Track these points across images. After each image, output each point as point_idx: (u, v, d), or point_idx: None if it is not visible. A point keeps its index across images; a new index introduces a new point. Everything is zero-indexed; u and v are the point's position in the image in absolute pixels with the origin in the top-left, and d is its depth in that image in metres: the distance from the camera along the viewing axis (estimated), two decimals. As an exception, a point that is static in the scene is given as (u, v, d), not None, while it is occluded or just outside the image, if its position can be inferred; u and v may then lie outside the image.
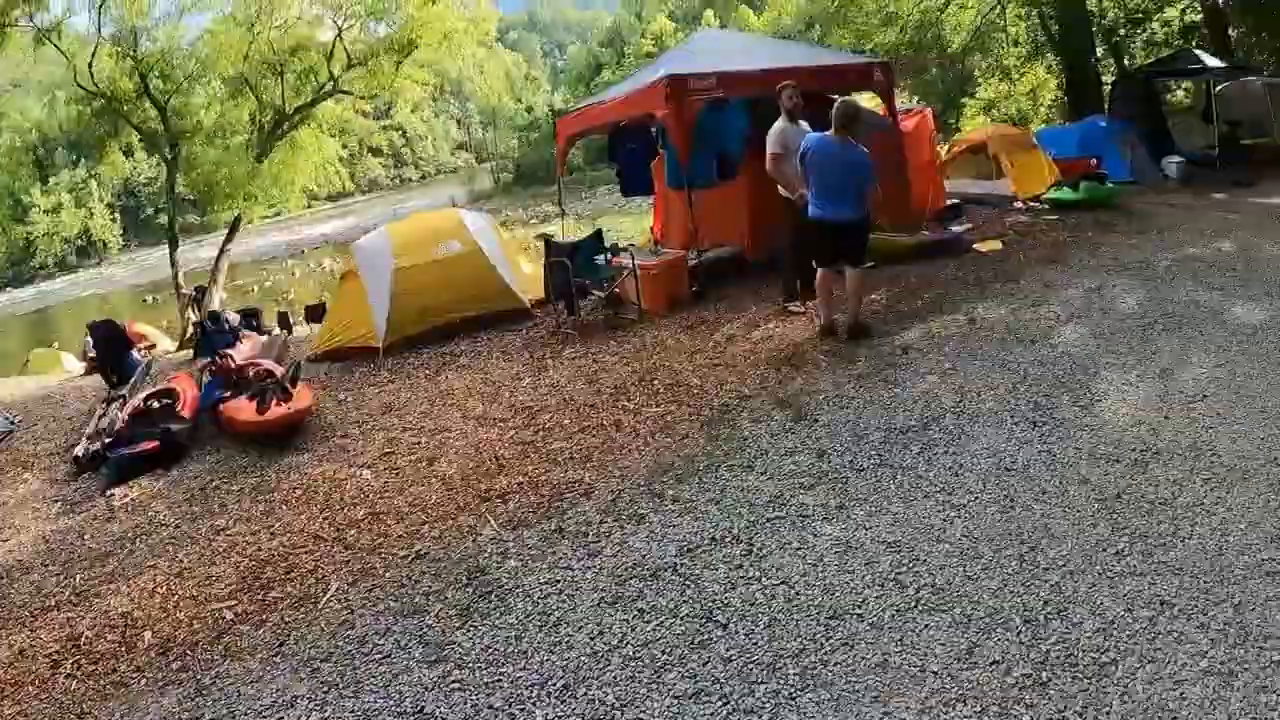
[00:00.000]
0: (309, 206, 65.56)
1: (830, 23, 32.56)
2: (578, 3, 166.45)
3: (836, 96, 12.62)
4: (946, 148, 17.87)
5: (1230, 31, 30.50)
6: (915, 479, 5.38)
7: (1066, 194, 13.22)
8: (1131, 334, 7.38)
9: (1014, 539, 4.60)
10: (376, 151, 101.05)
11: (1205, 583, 4.05)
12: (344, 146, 72.79)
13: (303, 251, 50.64)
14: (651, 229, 14.66)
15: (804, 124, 8.74)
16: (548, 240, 11.01)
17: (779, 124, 8.87)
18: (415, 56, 27.29)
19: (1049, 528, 4.65)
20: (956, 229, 11.65)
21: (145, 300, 40.35)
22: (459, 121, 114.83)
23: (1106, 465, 5.22)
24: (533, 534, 5.08)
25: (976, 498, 5.07)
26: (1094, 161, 15.02)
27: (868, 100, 13.24)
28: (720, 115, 10.91)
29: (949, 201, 13.39)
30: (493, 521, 5.30)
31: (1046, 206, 13.41)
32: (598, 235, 11.00)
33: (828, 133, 7.80)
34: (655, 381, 7.42)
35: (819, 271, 8.14)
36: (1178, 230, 11.31)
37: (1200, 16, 28.77)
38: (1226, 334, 7.17)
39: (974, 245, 11.25)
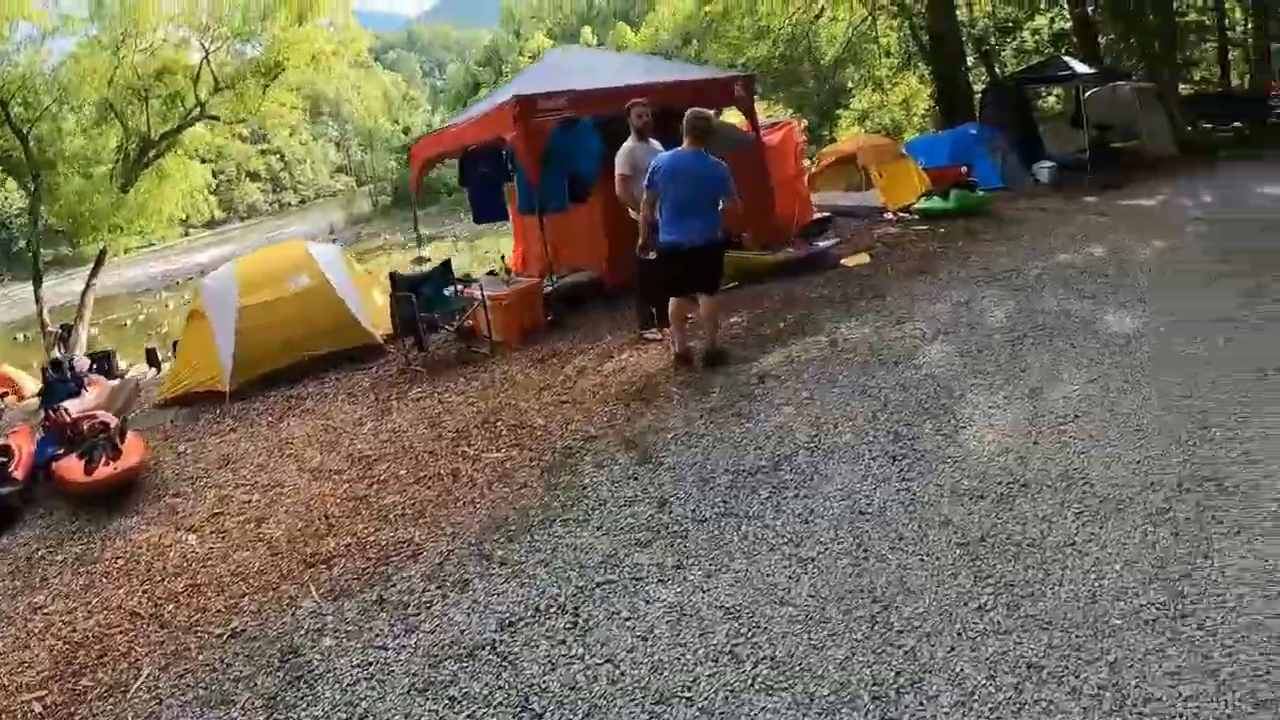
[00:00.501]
0: (186, 234, 63.33)
1: (705, 38, 32.71)
2: (458, 21, 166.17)
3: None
4: (816, 159, 17.73)
5: (1100, 38, 31.58)
6: (761, 529, 4.88)
7: (936, 203, 13.11)
8: (1000, 350, 7.07)
9: (866, 597, 4.10)
10: (255, 176, 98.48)
11: (1077, 638, 3.61)
12: (220, 172, 70.70)
13: (178, 282, 48.40)
14: (506, 257, 14.07)
15: (654, 143, 8.39)
16: (392, 274, 10.44)
17: (628, 144, 8.54)
18: (284, 79, 26.99)
19: (905, 581, 4.17)
20: (823, 244, 11.37)
21: (16, 338, 37.83)
22: (338, 144, 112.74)
23: (970, 503, 4.79)
24: (353, 605, 4.67)
25: (827, 549, 4.57)
26: (965, 169, 15.02)
27: (731, 116, 12.96)
28: (572, 136, 10.49)
29: (816, 215, 13.12)
30: (314, 591, 4.90)
31: (917, 217, 13.26)
32: (446, 266, 10.50)
33: (680, 148, 7.37)
34: (499, 423, 7.04)
35: (672, 300, 7.73)
36: (1049, 236, 11.22)
37: (1070, 25, 29.70)
38: (1099, 345, 6.91)
39: (841, 260, 11.00)
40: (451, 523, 5.42)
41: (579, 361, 8.55)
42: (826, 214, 13.32)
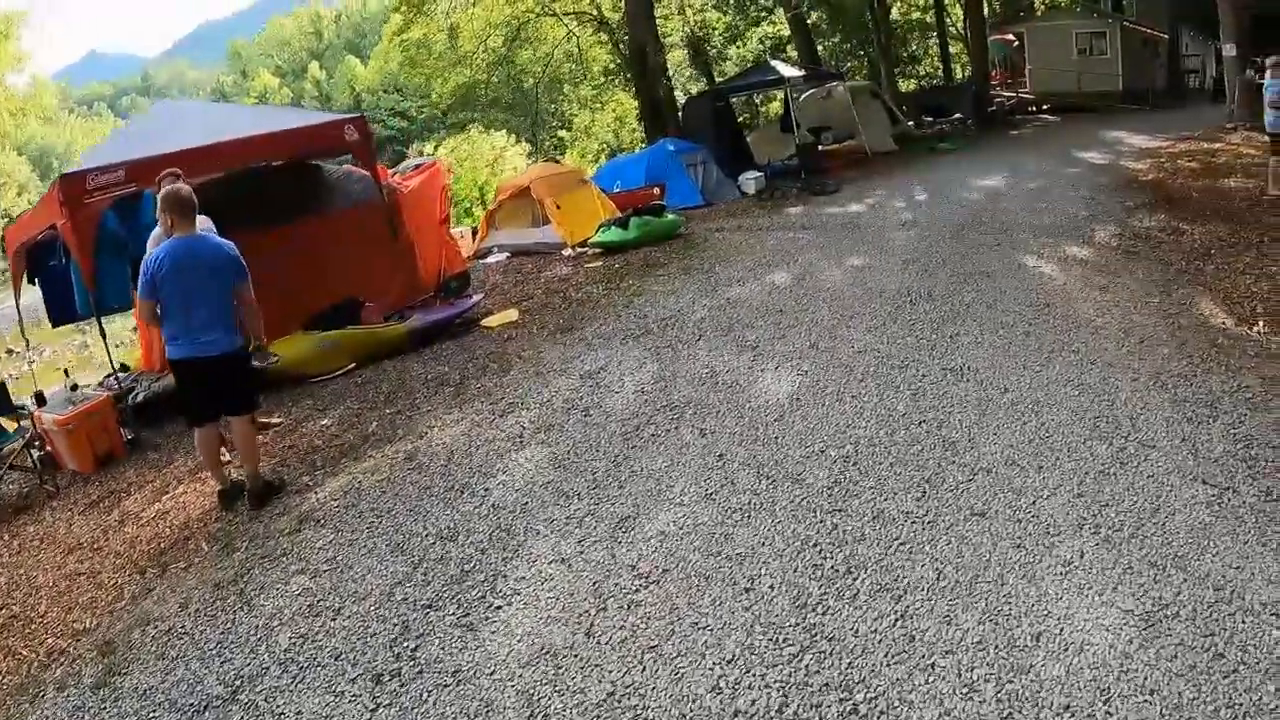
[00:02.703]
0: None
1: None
2: (198, 59, 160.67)
3: (329, 166, 10.30)
4: (495, 194, 15.98)
5: (821, 42, 31.60)
6: None
7: (615, 234, 11.45)
8: (606, 451, 5.27)
9: None
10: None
11: None
12: (-57, 245, 64.77)
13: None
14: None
15: (204, 222, 6.30)
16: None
17: (157, 229, 6.42)
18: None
19: None
20: (466, 302, 9.41)
21: None
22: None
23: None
24: None
25: None
26: (657, 190, 13.52)
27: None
28: (134, 215, 8.50)
29: (464, 268, 11.19)
30: None
31: (597, 251, 11.56)
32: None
33: (172, 235, 5.58)
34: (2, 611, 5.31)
35: (196, 430, 5.98)
36: (733, 262, 9.78)
37: (787, 31, 29.55)
38: (738, 428, 5.26)
39: (483, 321, 9.07)
40: None
41: (131, 502, 6.59)
42: (466, 270, 11.29)
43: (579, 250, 11.99)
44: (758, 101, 25.76)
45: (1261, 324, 6.07)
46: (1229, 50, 18.23)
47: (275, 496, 5.77)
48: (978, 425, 4.75)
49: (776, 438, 4.94)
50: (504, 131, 33.72)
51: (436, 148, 34.75)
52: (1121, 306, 6.65)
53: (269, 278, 8.57)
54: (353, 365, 8.40)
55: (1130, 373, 5.27)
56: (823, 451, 4.67)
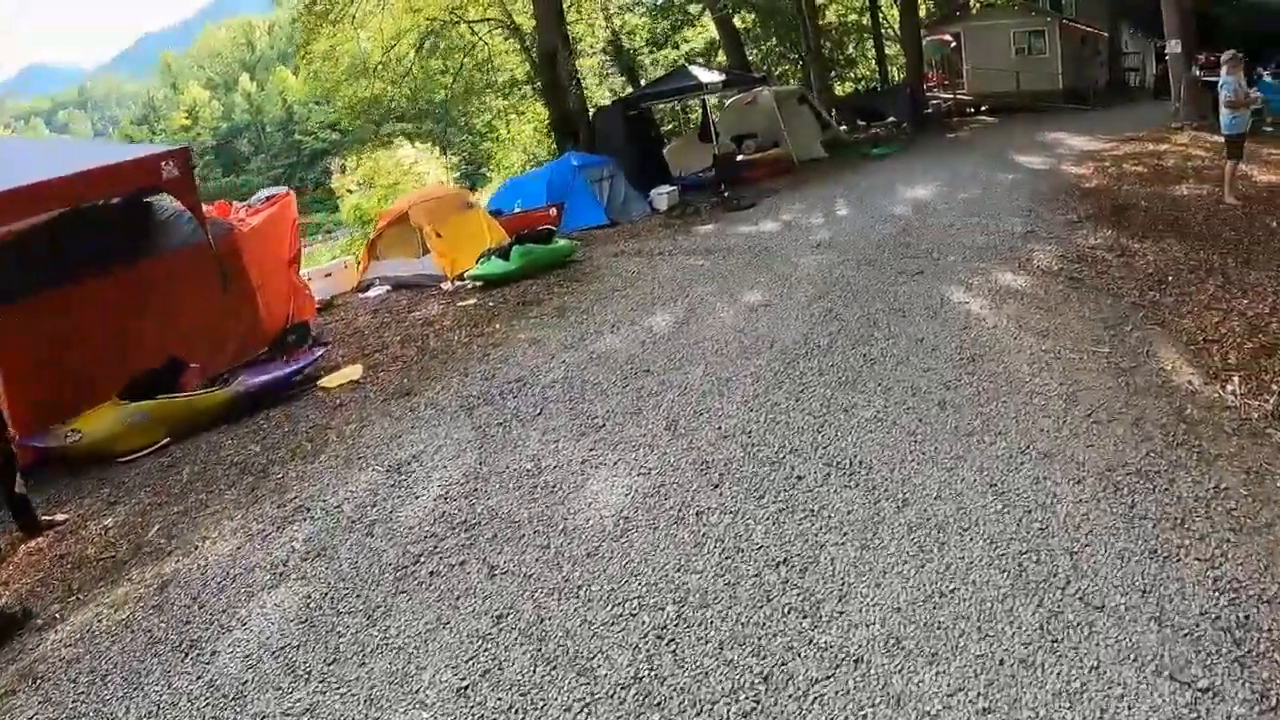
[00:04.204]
0: None
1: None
2: (136, 75, 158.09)
3: (159, 202, 8.87)
4: (375, 221, 14.52)
5: (755, 47, 30.49)
6: None
7: (494, 266, 10.07)
8: (369, 598, 3.94)
9: None
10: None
11: None
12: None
13: None
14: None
15: None
16: None
17: None
18: None
19: None
20: (308, 357, 7.98)
21: None
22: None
23: None
24: None
25: None
26: (553, 212, 12.14)
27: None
28: None
29: (307, 318, 9.63)
30: None
31: (478, 284, 10.17)
32: None
33: None
34: None
35: None
36: (616, 300, 8.53)
37: (715, 36, 28.45)
38: (537, 566, 3.96)
39: (323, 380, 7.67)
40: None
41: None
42: (305, 321, 9.60)
43: (458, 284, 10.58)
44: (681, 109, 24.49)
45: (1236, 381, 4.83)
46: (1174, 47, 17.20)
47: (17, 633, 4.51)
48: (857, 568, 3.40)
49: (580, 586, 3.58)
50: (429, 143, 32.27)
51: (358, 161, 33.22)
52: (1064, 359, 5.38)
53: (79, 336, 7.25)
54: (167, 440, 6.93)
55: (1073, 468, 3.97)
56: (634, 615, 3.31)
